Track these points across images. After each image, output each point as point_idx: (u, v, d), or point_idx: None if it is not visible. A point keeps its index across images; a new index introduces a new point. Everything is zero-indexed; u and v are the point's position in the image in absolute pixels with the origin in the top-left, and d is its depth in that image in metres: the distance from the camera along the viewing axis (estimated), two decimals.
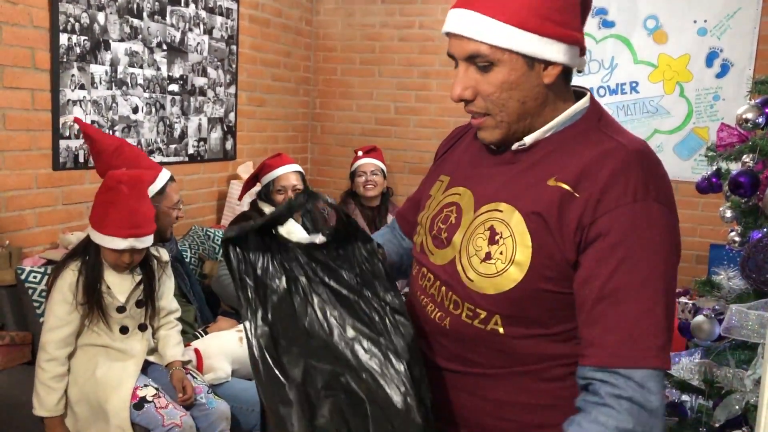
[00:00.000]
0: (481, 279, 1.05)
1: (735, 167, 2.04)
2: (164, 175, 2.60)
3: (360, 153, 3.98)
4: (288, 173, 3.23)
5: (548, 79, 1.07)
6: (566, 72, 1.10)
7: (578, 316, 1.01)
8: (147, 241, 2.22)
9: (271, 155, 3.39)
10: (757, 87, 2.09)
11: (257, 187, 3.30)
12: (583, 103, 1.12)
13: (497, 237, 1.05)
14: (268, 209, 3.14)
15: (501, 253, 1.04)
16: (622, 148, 1.04)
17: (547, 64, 1.06)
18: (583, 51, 1.10)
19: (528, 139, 1.10)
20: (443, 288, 1.12)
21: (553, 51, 1.05)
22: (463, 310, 1.08)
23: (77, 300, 2.18)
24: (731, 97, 3.93)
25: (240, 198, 3.42)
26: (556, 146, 1.09)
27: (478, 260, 1.06)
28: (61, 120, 2.78)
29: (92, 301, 2.19)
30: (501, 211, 1.07)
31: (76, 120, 2.57)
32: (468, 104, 1.10)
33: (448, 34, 1.09)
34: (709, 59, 3.97)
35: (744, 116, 1.98)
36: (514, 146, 1.12)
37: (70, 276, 2.18)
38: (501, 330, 1.05)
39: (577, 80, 1.13)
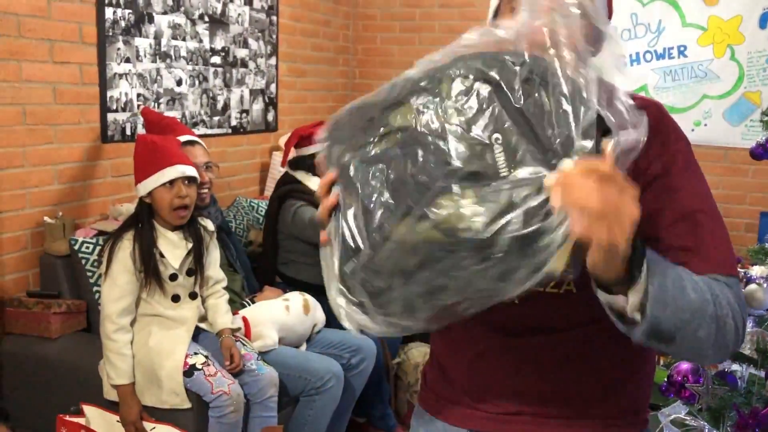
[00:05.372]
0: None
1: None
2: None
3: None
4: None
5: None
6: None
7: (662, 239, 1.01)
8: (193, 170, 2.33)
9: (309, 124, 3.33)
10: None
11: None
12: None
13: None
14: (312, 181, 3.16)
15: None
16: None
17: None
18: None
19: None
20: None
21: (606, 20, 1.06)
22: None
23: (136, 267, 2.24)
24: None
25: (284, 164, 3.36)
26: None
27: None
28: (109, 94, 2.83)
29: (149, 268, 2.25)
30: None
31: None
32: None
33: None
34: (763, 20, 3.82)
35: None
36: None
37: (127, 246, 2.25)
38: (574, 290, 1.05)
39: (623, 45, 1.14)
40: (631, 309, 0.88)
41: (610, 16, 1.13)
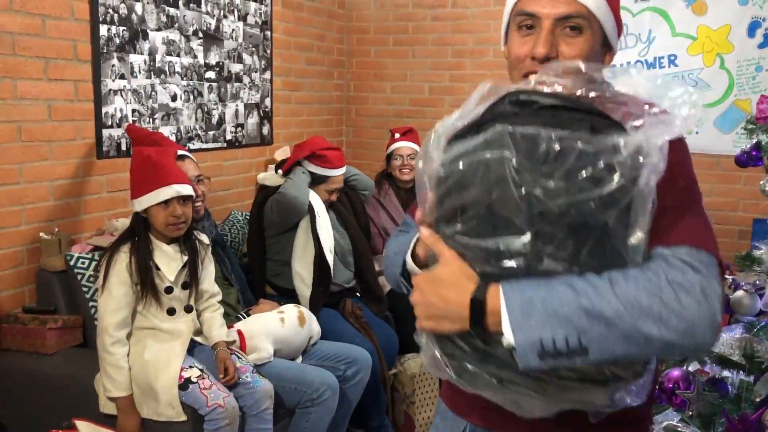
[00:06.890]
0: None
1: None
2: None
3: (397, 135, 3.98)
4: (342, 175, 3.29)
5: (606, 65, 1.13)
6: None
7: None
8: (188, 189, 2.35)
9: (327, 144, 3.30)
10: None
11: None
12: None
13: None
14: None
15: None
16: None
17: (609, 49, 1.12)
18: None
19: None
20: None
21: (616, 39, 1.12)
22: None
23: (133, 280, 2.26)
24: None
25: (285, 173, 3.29)
26: None
27: None
28: (104, 110, 2.86)
29: (146, 280, 2.27)
30: None
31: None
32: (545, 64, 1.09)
33: None
34: (751, 29, 3.86)
35: None
36: None
37: (123, 258, 2.27)
38: None
39: (615, 55, 1.16)
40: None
41: (619, 29, 1.15)
